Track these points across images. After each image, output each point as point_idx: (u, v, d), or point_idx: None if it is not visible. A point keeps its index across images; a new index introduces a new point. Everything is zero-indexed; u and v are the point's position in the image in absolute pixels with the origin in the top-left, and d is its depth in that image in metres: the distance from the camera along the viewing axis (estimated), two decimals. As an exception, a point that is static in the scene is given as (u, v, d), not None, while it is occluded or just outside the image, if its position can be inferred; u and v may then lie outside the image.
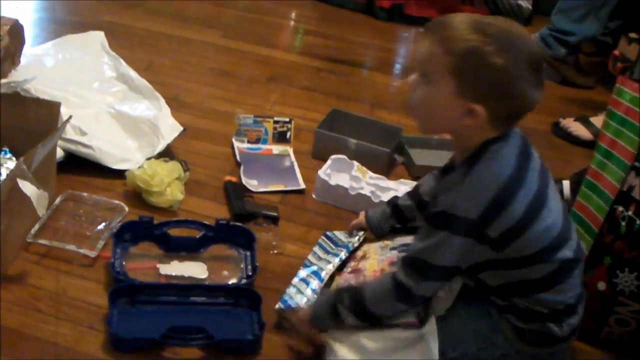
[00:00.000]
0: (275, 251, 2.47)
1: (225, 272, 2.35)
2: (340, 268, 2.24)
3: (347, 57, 4.09)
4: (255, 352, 2.09)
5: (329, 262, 2.26)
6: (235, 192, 2.68)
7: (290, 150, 3.03)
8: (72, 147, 2.64)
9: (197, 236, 2.40)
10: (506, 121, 1.88)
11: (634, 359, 2.30)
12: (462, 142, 1.92)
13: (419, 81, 1.88)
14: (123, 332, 2.04)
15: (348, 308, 1.95)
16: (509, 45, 1.79)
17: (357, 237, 2.34)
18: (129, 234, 2.37)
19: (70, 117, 2.39)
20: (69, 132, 2.63)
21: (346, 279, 2.17)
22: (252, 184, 2.77)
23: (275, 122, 3.06)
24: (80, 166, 2.65)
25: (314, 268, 2.27)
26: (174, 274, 2.30)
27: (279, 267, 2.41)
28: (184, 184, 2.64)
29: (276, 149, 3.04)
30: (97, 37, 3.27)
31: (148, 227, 2.38)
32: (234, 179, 2.76)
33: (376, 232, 2.34)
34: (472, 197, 1.83)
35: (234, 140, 3.01)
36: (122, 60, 3.15)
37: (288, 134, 3.06)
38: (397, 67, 4.38)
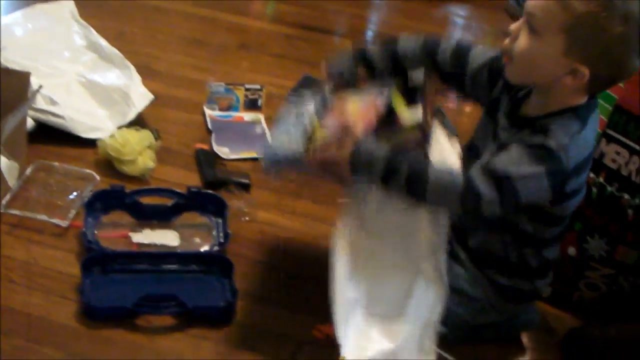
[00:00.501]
0: (247, 218, 2.48)
1: (197, 240, 2.35)
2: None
3: (319, 24, 4.08)
4: (229, 319, 2.10)
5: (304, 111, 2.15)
6: (206, 160, 2.68)
7: (262, 118, 3.03)
8: (43, 116, 2.63)
9: (169, 204, 2.41)
10: (602, 87, 1.90)
11: (604, 323, 2.32)
12: (548, 97, 1.90)
13: (524, 32, 1.84)
14: (95, 301, 2.05)
15: (403, 176, 1.86)
16: (628, 13, 1.76)
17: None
18: (101, 203, 2.37)
19: (41, 86, 2.38)
20: (40, 102, 2.62)
21: (331, 123, 2.04)
22: (223, 151, 2.77)
23: (247, 89, 3.05)
24: (51, 136, 2.64)
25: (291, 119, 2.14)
26: (146, 242, 2.30)
27: (251, 234, 2.42)
28: (155, 152, 2.63)
29: (247, 116, 3.03)
30: (67, 6, 3.24)
31: (120, 196, 2.38)
32: (205, 147, 2.76)
33: (338, 81, 2.20)
34: (578, 149, 1.84)
35: (205, 107, 3.01)
36: (92, 29, 3.13)
37: (259, 101, 3.06)
38: (369, 35, 4.36)
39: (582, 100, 1.88)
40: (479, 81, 2.09)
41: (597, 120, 1.95)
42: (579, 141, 1.84)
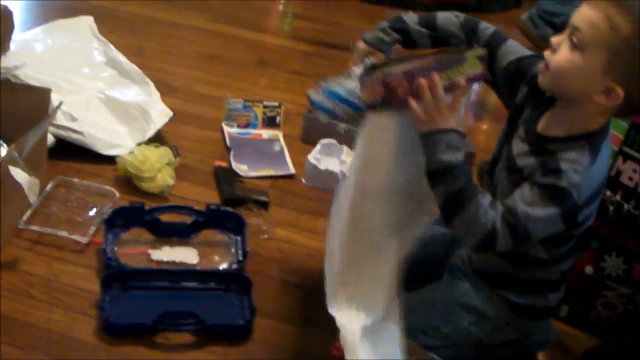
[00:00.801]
0: (266, 236, 2.49)
1: (216, 257, 2.36)
2: None
3: (336, 41, 4.09)
4: (246, 337, 2.11)
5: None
6: (225, 177, 2.69)
7: (280, 135, 3.04)
8: (63, 133, 2.65)
9: (188, 221, 2.42)
10: (628, 112, 1.88)
11: (621, 342, 2.32)
12: (570, 117, 1.87)
13: (566, 44, 1.81)
14: (115, 318, 2.06)
15: (451, 189, 1.82)
16: None
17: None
18: (120, 220, 2.38)
19: (61, 103, 2.39)
20: (60, 118, 2.63)
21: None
22: (242, 168, 2.79)
23: (265, 106, 3.06)
24: (71, 152, 2.66)
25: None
26: (165, 259, 2.31)
27: (270, 252, 2.43)
28: (175, 169, 2.65)
29: (266, 133, 3.04)
30: (86, 22, 3.26)
31: (139, 213, 2.39)
32: (224, 164, 2.78)
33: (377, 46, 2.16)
34: (589, 185, 1.82)
35: (223, 125, 3.02)
36: (111, 45, 3.15)
37: (278, 118, 3.07)
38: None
39: (600, 125, 1.88)
40: (505, 77, 2.09)
41: (609, 148, 1.92)
42: (590, 176, 1.82)
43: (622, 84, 1.76)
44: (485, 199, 1.82)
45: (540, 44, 4.12)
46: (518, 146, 1.94)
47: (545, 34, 4.12)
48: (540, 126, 1.94)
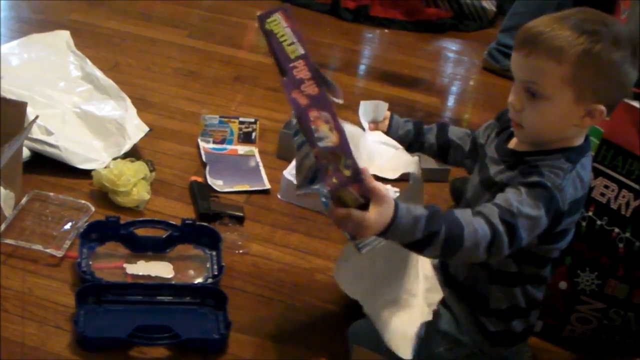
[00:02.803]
0: (241, 251, 2.48)
1: (191, 272, 2.36)
2: None
3: (313, 58, 4.10)
4: (221, 351, 2.10)
5: None
6: (200, 192, 2.69)
7: (256, 151, 3.05)
8: (39, 146, 2.64)
9: (164, 236, 2.42)
10: (612, 110, 1.88)
11: (595, 357, 2.34)
12: (557, 142, 1.89)
13: (528, 101, 1.83)
14: (90, 332, 2.05)
15: (441, 239, 1.73)
16: (613, 37, 1.77)
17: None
18: (96, 234, 2.38)
19: (37, 117, 2.39)
20: (35, 132, 2.63)
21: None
22: (217, 184, 2.79)
23: (241, 122, 3.07)
24: (46, 166, 2.65)
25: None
26: (140, 273, 2.31)
27: (245, 267, 2.43)
28: (150, 184, 2.65)
29: (241, 149, 3.05)
30: (63, 37, 3.27)
31: (114, 227, 2.39)
32: (199, 179, 2.78)
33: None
34: (571, 190, 1.83)
35: (199, 140, 3.02)
36: (87, 60, 3.15)
37: (253, 134, 3.08)
38: (362, 68, 4.40)
39: (579, 142, 1.90)
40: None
41: (590, 162, 1.95)
42: (573, 180, 1.84)
43: (599, 99, 1.80)
44: (467, 216, 1.77)
45: (507, 74, 4.18)
46: (494, 168, 1.96)
47: (507, 66, 4.17)
48: (513, 144, 1.97)
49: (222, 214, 2.61)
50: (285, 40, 1.68)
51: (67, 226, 2.43)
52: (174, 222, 2.45)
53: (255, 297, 2.32)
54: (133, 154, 2.76)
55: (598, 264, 2.26)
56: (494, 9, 5.07)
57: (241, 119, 3.07)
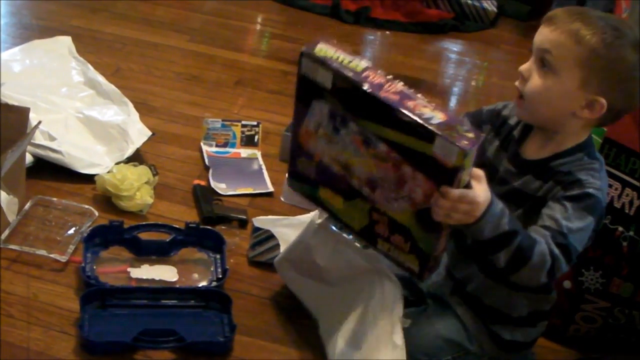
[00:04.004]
0: (245, 254, 2.48)
1: (196, 275, 2.36)
2: None
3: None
4: (226, 354, 2.11)
5: None
6: (204, 196, 2.70)
7: (258, 154, 3.05)
8: (41, 152, 2.65)
9: (167, 240, 2.42)
10: (615, 117, 1.89)
11: (600, 356, 2.33)
12: (556, 135, 1.90)
13: (537, 70, 1.84)
14: (95, 336, 2.05)
15: (514, 246, 1.75)
16: (635, 40, 1.79)
17: None
18: (100, 239, 2.38)
19: (40, 122, 2.39)
20: (38, 137, 2.63)
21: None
22: (220, 187, 2.79)
23: (243, 125, 3.07)
24: (49, 171, 2.65)
25: None
26: (144, 277, 2.31)
27: (249, 270, 2.43)
28: (153, 188, 2.65)
29: (244, 152, 3.05)
30: (65, 42, 3.28)
31: (118, 231, 2.39)
32: (202, 183, 2.78)
33: None
34: (605, 187, 1.86)
35: (202, 144, 3.02)
36: (89, 65, 3.16)
37: (256, 137, 3.08)
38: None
39: (586, 136, 1.90)
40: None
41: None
42: (605, 175, 1.87)
43: (603, 93, 1.79)
44: (533, 236, 1.79)
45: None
46: (518, 181, 1.94)
47: None
48: (528, 153, 1.96)
49: (226, 217, 2.61)
50: (343, 60, 1.80)
51: (71, 231, 2.43)
52: (177, 226, 2.45)
53: (259, 300, 2.33)
54: (136, 158, 2.76)
55: (602, 262, 2.26)
56: (495, 9, 5.06)
57: (243, 122, 3.08)
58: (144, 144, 2.83)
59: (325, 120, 1.88)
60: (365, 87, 1.73)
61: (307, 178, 2.02)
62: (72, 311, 2.14)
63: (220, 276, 2.33)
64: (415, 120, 1.66)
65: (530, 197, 1.89)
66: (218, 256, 2.41)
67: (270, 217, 2.54)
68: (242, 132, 3.06)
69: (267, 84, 3.69)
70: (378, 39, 4.74)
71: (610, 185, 2.21)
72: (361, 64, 1.78)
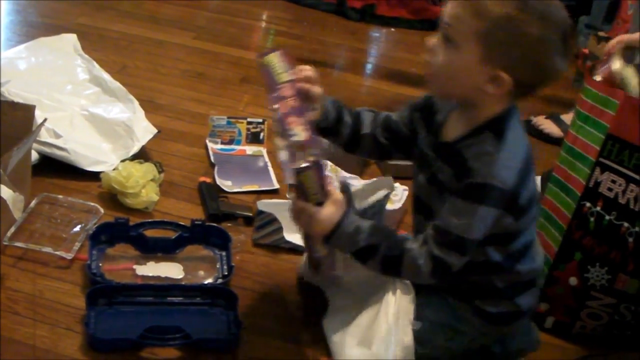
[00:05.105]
0: (251, 251, 2.48)
1: (201, 272, 2.36)
2: None
3: (319, 58, 4.11)
4: (232, 351, 2.10)
5: None
6: (209, 193, 2.70)
7: (264, 151, 3.05)
8: (47, 149, 2.65)
9: (173, 237, 2.42)
10: (527, 91, 1.85)
11: (606, 353, 2.33)
12: (473, 111, 1.87)
13: (441, 45, 1.81)
14: (101, 333, 2.05)
15: (379, 257, 1.90)
16: (544, 14, 1.74)
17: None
18: (105, 236, 2.38)
19: (45, 120, 2.39)
20: (44, 135, 2.64)
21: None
22: (226, 184, 2.79)
23: (249, 123, 3.07)
24: (55, 169, 2.66)
25: None
26: (150, 274, 2.31)
27: (255, 267, 2.43)
28: (159, 186, 2.65)
29: (250, 149, 3.05)
30: (70, 40, 3.27)
31: (124, 229, 2.39)
32: (208, 180, 2.78)
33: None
34: (508, 167, 1.81)
35: (207, 141, 3.03)
36: (95, 63, 3.16)
37: (261, 134, 3.08)
38: (369, 68, 4.40)
39: (502, 109, 1.86)
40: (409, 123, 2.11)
41: (519, 122, 1.91)
42: (504, 158, 1.82)
43: (505, 68, 1.77)
44: (410, 243, 1.89)
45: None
46: (435, 166, 1.95)
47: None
48: (444, 135, 1.95)
49: (232, 215, 2.61)
50: (276, 69, 2.02)
51: (77, 228, 2.44)
52: (183, 223, 2.45)
53: (265, 297, 2.32)
54: (141, 155, 2.76)
55: (608, 259, 2.26)
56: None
57: (249, 120, 3.08)
58: (150, 141, 2.84)
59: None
60: (271, 95, 1.98)
61: None
62: (78, 308, 2.14)
63: (226, 273, 2.33)
64: (281, 130, 1.90)
65: (445, 187, 1.89)
66: (224, 253, 2.41)
67: (274, 200, 2.59)
68: (248, 130, 3.06)
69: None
70: (383, 35, 4.74)
71: (613, 182, 2.21)
72: (286, 76, 1.98)
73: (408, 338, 1.99)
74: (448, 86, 1.87)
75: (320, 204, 1.88)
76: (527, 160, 1.87)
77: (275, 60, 2.04)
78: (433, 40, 1.84)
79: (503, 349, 2.13)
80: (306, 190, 1.86)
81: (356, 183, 2.82)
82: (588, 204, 2.24)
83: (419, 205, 2.06)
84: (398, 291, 2.06)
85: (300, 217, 1.92)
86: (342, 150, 2.17)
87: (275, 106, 1.93)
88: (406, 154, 2.13)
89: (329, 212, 1.88)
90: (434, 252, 1.85)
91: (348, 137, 2.11)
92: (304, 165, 1.82)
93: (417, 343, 2.00)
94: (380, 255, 1.89)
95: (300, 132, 1.86)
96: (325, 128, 2.07)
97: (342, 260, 2.11)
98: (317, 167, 1.83)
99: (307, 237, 2.06)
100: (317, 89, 2.03)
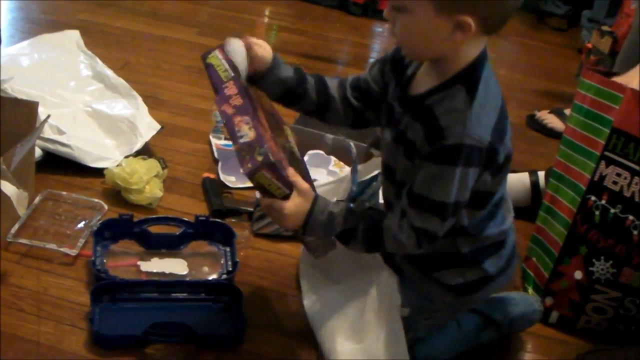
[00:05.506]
0: (255, 246, 2.48)
1: (206, 268, 2.36)
2: None
3: (322, 53, 4.11)
4: (237, 347, 2.10)
5: None
6: (213, 189, 2.69)
7: (267, 147, 3.04)
8: (51, 146, 2.65)
9: (177, 233, 2.42)
10: (496, 24, 1.78)
11: (611, 347, 2.32)
12: (444, 63, 1.81)
13: (396, 15, 1.77)
14: (105, 330, 2.05)
15: (360, 240, 1.90)
16: None
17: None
18: (109, 232, 2.38)
19: (49, 116, 2.39)
20: (47, 131, 2.64)
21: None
22: (230, 180, 2.79)
23: (252, 118, 3.06)
24: (58, 165, 2.66)
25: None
26: (154, 270, 2.31)
27: (259, 263, 2.43)
28: (163, 182, 2.65)
29: (253, 145, 3.04)
30: (73, 36, 3.27)
31: (128, 225, 2.39)
32: (212, 176, 2.78)
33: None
34: (482, 124, 1.76)
35: (211, 137, 3.02)
36: (98, 59, 3.16)
37: (265, 130, 3.07)
38: (372, 62, 4.39)
39: (473, 57, 1.81)
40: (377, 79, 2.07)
41: (491, 70, 1.84)
42: (477, 113, 1.76)
43: (463, 11, 1.71)
44: (388, 217, 1.88)
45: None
46: (403, 122, 1.89)
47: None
48: (414, 89, 1.90)
49: (236, 210, 2.61)
50: (220, 68, 1.96)
51: (81, 225, 2.44)
52: (187, 219, 2.45)
53: (269, 293, 2.32)
54: (145, 151, 2.76)
55: (613, 252, 2.25)
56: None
57: (252, 115, 3.07)
58: (153, 137, 2.84)
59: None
60: (216, 97, 1.92)
61: None
62: (83, 305, 2.14)
63: (231, 269, 2.33)
64: (229, 132, 1.84)
65: (414, 146, 1.82)
66: (228, 249, 2.41)
67: None
68: (251, 125, 3.06)
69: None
70: (386, 31, 4.73)
71: (618, 175, 2.21)
72: (229, 74, 1.93)
73: (398, 326, 1.98)
74: (419, 49, 1.83)
75: (287, 196, 1.86)
76: (501, 115, 1.82)
77: (217, 59, 1.99)
78: (386, 12, 1.80)
79: (504, 317, 2.19)
80: (267, 188, 1.84)
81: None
82: (593, 198, 2.24)
83: (387, 169, 2.02)
84: (383, 279, 2.04)
85: (270, 214, 1.91)
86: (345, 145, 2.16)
87: (222, 109, 1.88)
88: (380, 113, 2.06)
89: (297, 203, 1.87)
90: (415, 223, 1.82)
91: (316, 100, 2.07)
92: (253, 167, 1.77)
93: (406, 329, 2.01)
94: (360, 237, 1.89)
95: (247, 131, 1.80)
96: (290, 91, 2.04)
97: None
98: (268, 165, 1.77)
99: None
100: (266, 50, 2.02)
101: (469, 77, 1.80)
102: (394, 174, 1.95)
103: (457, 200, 1.80)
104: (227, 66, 1.95)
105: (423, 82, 1.88)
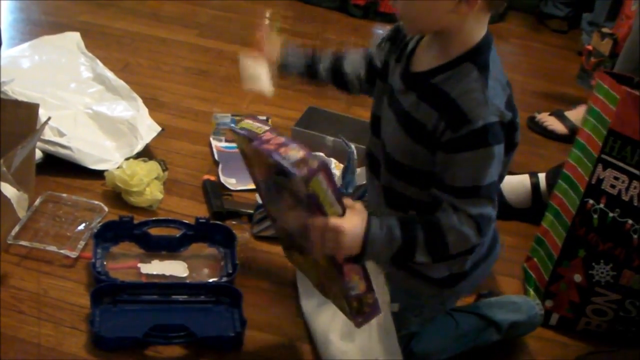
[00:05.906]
0: (255, 249, 2.48)
1: (206, 271, 2.36)
2: None
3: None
4: (237, 349, 2.11)
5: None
6: (214, 191, 2.69)
7: (268, 149, 3.04)
8: (51, 148, 2.65)
9: (177, 235, 2.42)
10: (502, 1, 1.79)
11: (611, 349, 2.32)
12: (447, 37, 1.79)
13: None
14: (105, 332, 2.06)
15: (422, 247, 1.77)
16: None
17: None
18: (110, 234, 2.38)
19: (49, 118, 2.39)
20: (48, 133, 2.64)
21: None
22: (230, 182, 2.79)
23: (253, 120, 3.06)
24: (59, 167, 2.66)
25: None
26: (155, 273, 2.31)
27: (259, 265, 2.43)
28: (163, 184, 2.65)
29: (254, 147, 3.04)
30: (73, 38, 3.27)
31: (128, 227, 2.39)
32: (212, 178, 2.78)
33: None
34: (499, 100, 1.75)
35: (211, 139, 3.02)
36: (98, 61, 3.16)
37: (265, 132, 3.07)
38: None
39: (480, 36, 1.80)
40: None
41: (496, 55, 1.83)
42: (493, 90, 1.76)
43: None
44: (442, 216, 1.78)
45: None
46: (406, 100, 1.86)
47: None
48: (416, 65, 1.88)
49: (236, 212, 2.61)
50: (252, 128, 1.91)
51: (81, 227, 2.44)
52: (187, 221, 2.45)
53: (270, 295, 2.33)
54: (145, 154, 2.76)
55: (613, 255, 2.25)
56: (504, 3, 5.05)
57: (253, 117, 3.07)
58: (154, 139, 2.84)
59: (262, 182, 2.00)
60: (254, 142, 1.82)
61: (279, 238, 2.19)
62: (83, 307, 2.14)
63: (231, 271, 2.33)
64: (277, 161, 1.73)
65: (423, 128, 1.79)
66: (228, 251, 2.41)
67: None
68: (252, 127, 3.06)
69: (277, 79, 3.67)
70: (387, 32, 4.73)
71: (616, 178, 2.20)
72: (264, 128, 1.87)
73: (389, 323, 1.98)
74: (422, 21, 1.80)
75: (339, 216, 1.72)
76: (510, 93, 1.82)
77: (249, 123, 1.94)
78: None
79: (504, 319, 2.19)
80: (320, 203, 1.69)
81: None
82: (591, 201, 2.24)
83: (372, 160, 2.01)
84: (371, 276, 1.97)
85: (324, 236, 1.72)
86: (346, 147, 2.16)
87: (264, 146, 1.80)
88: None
89: (355, 220, 1.73)
90: (471, 211, 1.76)
91: (332, 82, 2.19)
92: (311, 169, 1.66)
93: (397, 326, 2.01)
94: (423, 244, 1.77)
95: (296, 153, 1.70)
96: (307, 81, 2.18)
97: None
98: (326, 170, 1.67)
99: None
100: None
101: (479, 56, 1.79)
102: (390, 157, 1.91)
103: (496, 179, 1.79)
104: (263, 127, 1.88)
105: (425, 58, 1.86)
